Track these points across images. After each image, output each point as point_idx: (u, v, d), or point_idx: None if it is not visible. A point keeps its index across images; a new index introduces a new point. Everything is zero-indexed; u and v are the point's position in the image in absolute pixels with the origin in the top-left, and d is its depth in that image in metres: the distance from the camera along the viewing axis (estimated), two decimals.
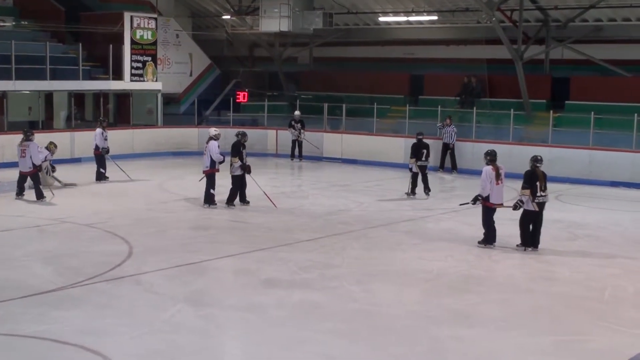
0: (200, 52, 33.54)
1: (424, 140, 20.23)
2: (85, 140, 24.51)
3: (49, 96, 27.10)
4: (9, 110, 25.32)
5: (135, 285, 11.69)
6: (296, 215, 17.47)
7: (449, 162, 24.92)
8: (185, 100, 32.61)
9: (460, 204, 16.06)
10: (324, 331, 9.83)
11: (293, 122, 27.50)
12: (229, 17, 33.02)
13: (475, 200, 14.67)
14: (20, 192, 18.62)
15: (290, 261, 13.26)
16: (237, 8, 32.60)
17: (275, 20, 29.98)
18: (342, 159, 27.35)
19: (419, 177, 19.95)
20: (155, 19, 29.69)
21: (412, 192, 19.91)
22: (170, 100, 31.78)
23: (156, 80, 29.41)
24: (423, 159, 19.85)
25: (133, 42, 28.58)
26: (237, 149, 17.90)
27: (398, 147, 25.89)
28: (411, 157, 19.86)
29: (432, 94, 30.07)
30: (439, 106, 26.60)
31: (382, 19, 31.54)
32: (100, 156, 21.57)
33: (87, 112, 29.41)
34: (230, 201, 18.06)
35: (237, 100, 30.97)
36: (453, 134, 24.81)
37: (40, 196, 18.33)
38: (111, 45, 27.78)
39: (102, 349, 8.92)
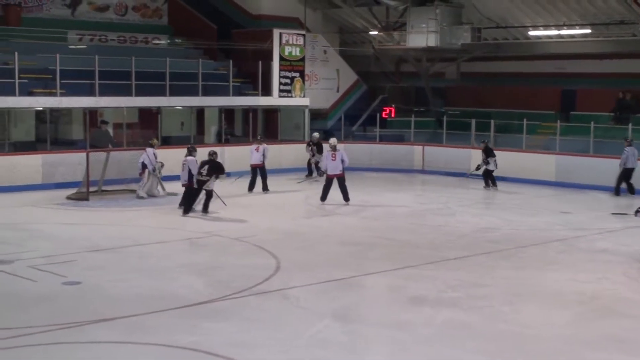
0: (347, 68, 33.72)
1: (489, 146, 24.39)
2: (235, 155, 25.14)
3: (200, 112, 27.91)
4: (163, 125, 26.25)
5: (282, 300, 11.81)
6: (443, 233, 17.25)
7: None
8: (332, 116, 32.84)
9: (613, 213, 15.54)
10: (472, 351, 9.63)
11: (311, 143, 26.77)
12: (376, 32, 33.11)
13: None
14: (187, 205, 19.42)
15: (438, 279, 13.09)
16: (384, 24, 32.65)
17: (423, 36, 29.82)
18: None
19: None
20: (304, 35, 30.14)
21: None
22: (317, 115, 32.10)
23: (304, 96, 29.83)
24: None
25: (282, 58, 29.09)
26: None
27: (549, 164, 25.23)
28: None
29: (585, 110, 29.12)
30: (592, 122, 25.72)
31: (532, 33, 30.84)
32: (263, 168, 22.56)
33: (236, 127, 30.13)
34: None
35: (384, 116, 30.94)
36: (631, 156, 22.73)
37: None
38: (260, 62, 28.38)
39: None
